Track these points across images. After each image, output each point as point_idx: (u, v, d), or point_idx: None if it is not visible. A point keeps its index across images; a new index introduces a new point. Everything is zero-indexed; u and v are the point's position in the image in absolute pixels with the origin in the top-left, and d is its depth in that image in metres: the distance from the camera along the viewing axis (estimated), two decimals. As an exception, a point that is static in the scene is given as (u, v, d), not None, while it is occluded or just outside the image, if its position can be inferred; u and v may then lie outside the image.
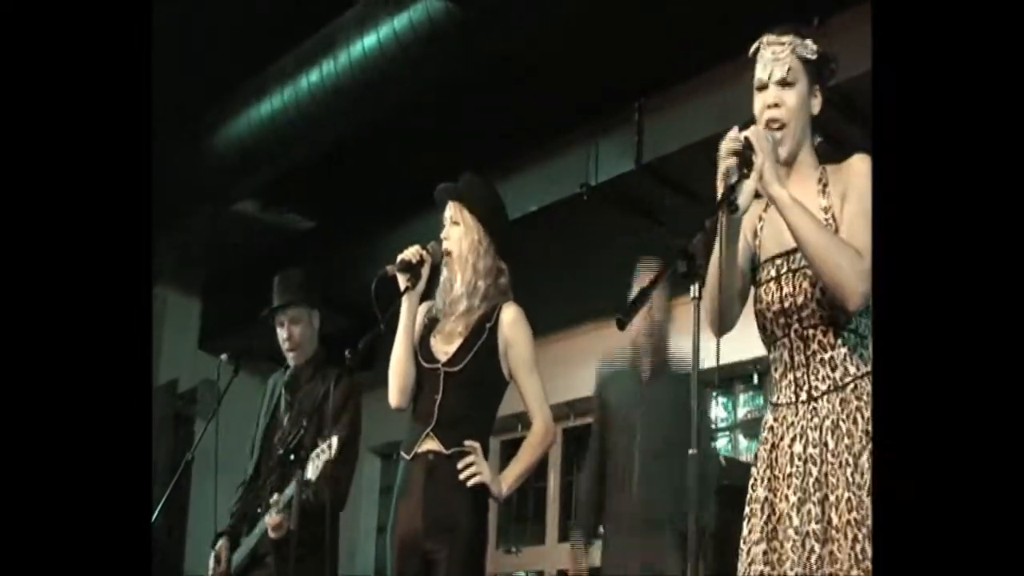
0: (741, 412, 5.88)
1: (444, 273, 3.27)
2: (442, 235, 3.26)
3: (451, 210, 3.26)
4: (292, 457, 2.84)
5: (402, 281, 3.15)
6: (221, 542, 4.01)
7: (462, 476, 3.05)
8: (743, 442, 5.22)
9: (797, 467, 2.27)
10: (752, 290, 2.42)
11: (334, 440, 3.21)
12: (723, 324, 2.35)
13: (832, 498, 2.20)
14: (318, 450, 3.27)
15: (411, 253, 3.16)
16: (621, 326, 2.06)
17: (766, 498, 2.31)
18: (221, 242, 6.98)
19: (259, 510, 3.92)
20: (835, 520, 2.18)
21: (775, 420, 2.35)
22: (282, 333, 4.12)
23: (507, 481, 3.17)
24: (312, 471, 3.22)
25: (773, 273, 2.36)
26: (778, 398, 2.36)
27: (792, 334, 2.33)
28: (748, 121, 2.36)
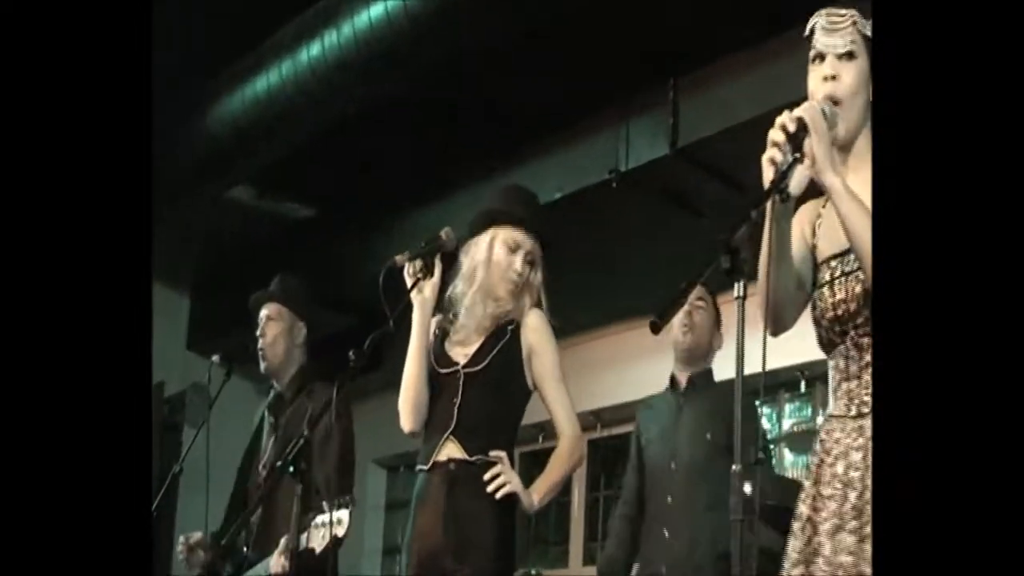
0: (787, 424, 5.86)
1: (460, 272, 3.27)
2: (510, 276, 3.25)
3: (508, 235, 3.29)
4: (292, 469, 2.84)
5: (412, 275, 3.16)
6: (199, 537, 3.99)
7: (490, 488, 3.06)
8: (788, 456, 5.21)
9: (837, 490, 2.27)
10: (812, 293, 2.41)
11: (344, 515, 3.20)
12: (778, 324, 2.35)
13: (867, 531, 2.18)
14: (324, 518, 3.26)
15: (422, 242, 3.18)
16: (655, 329, 2.06)
17: (809, 518, 2.31)
18: (212, 232, 7.00)
19: (244, 547, 3.90)
20: (868, 555, 2.15)
21: (826, 433, 2.35)
22: (259, 331, 4.12)
23: (538, 493, 3.19)
24: (317, 542, 3.23)
25: (827, 277, 2.36)
26: (832, 409, 2.36)
27: (848, 341, 2.32)
28: (800, 100, 2.35)
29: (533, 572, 7.04)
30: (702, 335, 4.20)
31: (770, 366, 2.23)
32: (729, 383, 3.99)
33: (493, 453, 3.12)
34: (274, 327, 4.14)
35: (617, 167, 5.14)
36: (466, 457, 3.12)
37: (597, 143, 5.29)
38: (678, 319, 4.20)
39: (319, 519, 3.25)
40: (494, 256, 3.27)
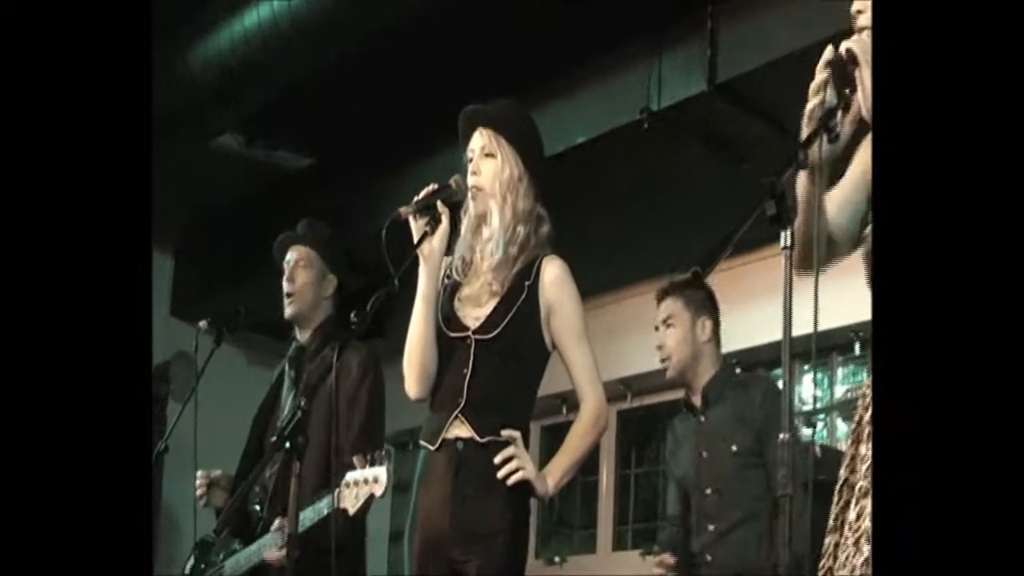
0: (840, 391, 5.85)
1: (470, 217, 3.26)
2: (471, 170, 3.25)
3: (482, 139, 3.26)
4: (288, 444, 2.85)
5: (419, 228, 3.15)
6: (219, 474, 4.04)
7: (500, 473, 3.06)
8: (841, 427, 5.20)
9: (870, 450, 2.29)
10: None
11: (381, 472, 3.20)
12: (809, 261, 2.34)
13: None
14: (357, 475, 3.26)
15: (429, 191, 3.17)
16: (698, 280, 2.06)
17: (846, 480, 2.36)
18: (197, 185, 7.00)
19: (257, 508, 3.94)
20: None
21: (868, 388, 2.37)
22: (285, 276, 4.14)
23: (553, 476, 3.18)
24: (350, 502, 3.23)
25: None
26: None
27: None
28: (848, 30, 2.34)
29: (556, 559, 7.07)
30: (682, 350, 4.25)
31: (822, 326, 2.23)
32: (749, 377, 4.01)
33: (505, 433, 3.11)
34: (304, 274, 4.15)
35: (648, 106, 5.12)
36: (476, 437, 3.12)
37: (626, 80, 5.26)
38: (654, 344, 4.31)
39: (351, 476, 3.25)
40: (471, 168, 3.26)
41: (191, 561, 4.12)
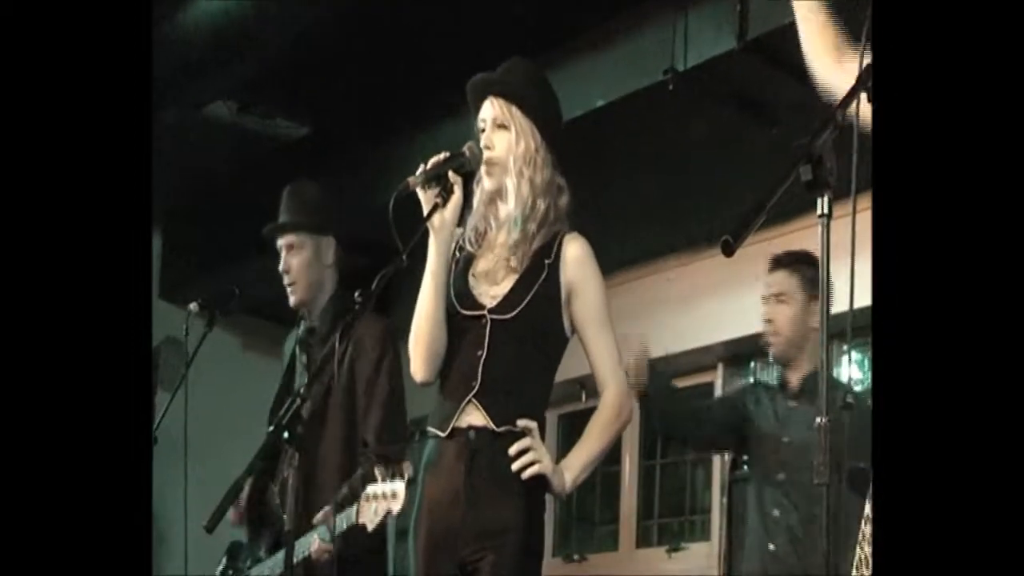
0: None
1: (483, 189, 3.25)
2: (482, 143, 3.24)
3: (494, 110, 3.25)
4: (288, 435, 2.85)
5: (428, 199, 3.14)
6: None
7: (515, 466, 3.06)
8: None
9: None
10: None
11: (399, 487, 3.20)
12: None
13: None
14: (377, 489, 3.26)
15: (440, 159, 3.15)
16: (728, 251, 2.06)
17: None
18: (187, 157, 7.00)
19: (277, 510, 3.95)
20: None
21: None
22: (281, 265, 4.16)
23: (571, 471, 3.19)
24: (368, 517, 3.24)
25: None
26: None
27: None
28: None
29: (576, 557, 7.08)
30: (791, 330, 4.32)
31: (863, 302, 2.22)
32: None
33: (522, 423, 3.10)
34: (295, 258, 4.17)
35: (673, 66, 5.09)
36: (491, 426, 3.11)
37: (648, 38, 5.24)
38: (760, 311, 4.37)
39: (371, 489, 3.26)
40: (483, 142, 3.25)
41: (222, 565, 4.14)
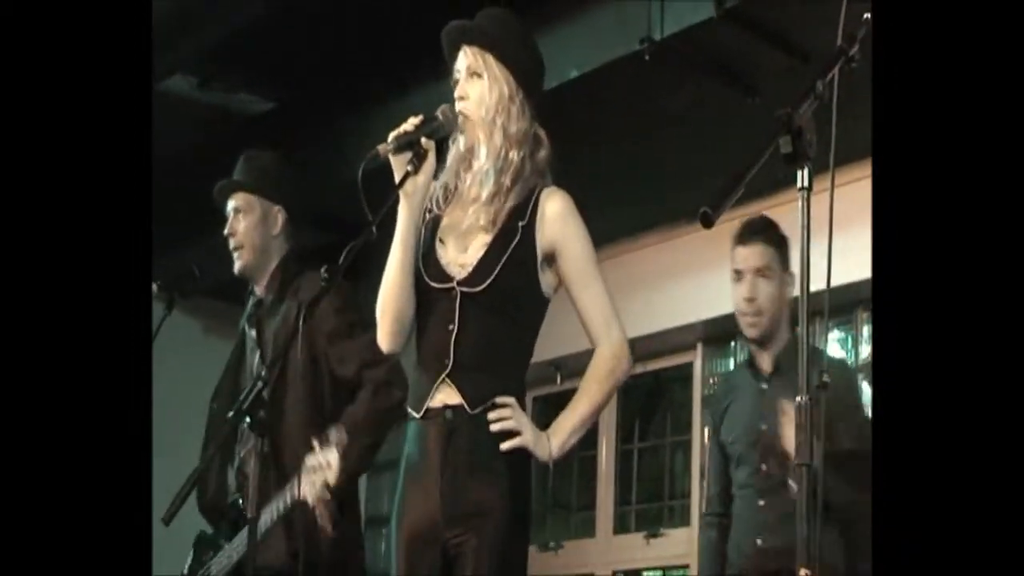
0: (866, 351, 5.86)
1: (457, 144, 3.23)
2: (456, 94, 3.23)
3: (468, 58, 3.23)
4: (249, 420, 2.83)
5: (400, 165, 3.12)
6: None
7: (493, 428, 3.04)
8: (868, 391, 5.20)
9: None
10: None
11: (332, 456, 3.20)
12: None
13: None
14: (314, 461, 3.25)
15: (412, 124, 3.13)
16: (707, 222, 2.06)
17: None
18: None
19: (238, 499, 3.95)
20: None
21: None
22: (227, 228, 4.16)
23: (558, 436, 3.16)
24: (309, 490, 3.23)
25: None
26: None
27: None
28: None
29: (552, 545, 7.09)
30: (771, 307, 4.16)
31: (848, 278, 2.23)
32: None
33: (500, 400, 3.09)
34: (243, 220, 4.18)
35: (650, 35, 5.09)
36: (466, 405, 3.10)
37: (624, 6, 5.23)
38: (740, 291, 4.20)
39: (309, 461, 3.26)
40: (456, 92, 3.23)
41: (189, 559, 4.14)
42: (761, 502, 4.11)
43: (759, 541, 4.09)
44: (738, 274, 4.19)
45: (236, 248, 4.19)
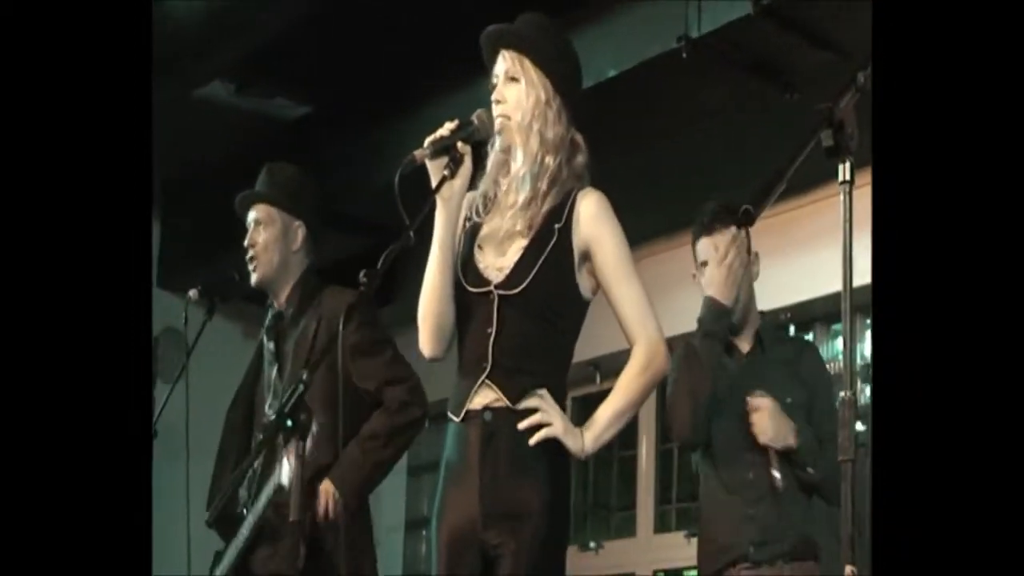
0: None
1: (495, 151, 3.23)
2: (493, 98, 3.22)
3: (506, 62, 3.23)
4: (291, 422, 2.83)
5: (436, 170, 3.12)
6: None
7: (521, 425, 3.04)
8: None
9: None
10: None
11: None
12: None
13: None
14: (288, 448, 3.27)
15: (448, 128, 3.13)
16: (748, 220, 2.05)
17: None
18: (183, 139, 6.99)
19: (242, 506, 3.95)
20: None
21: None
22: (247, 239, 4.16)
23: (593, 430, 3.15)
24: (286, 475, 3.23)
25: None
26: None
27: None
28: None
29: (592, 545, 7.08)
30: (729, 281, 4.04)
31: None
32: (793, 338, 3.92)
33: (536, 394, 3.09)
34: (263, 232, 4.18)
35: (688, 33, 5.07)
36: (507, 404, 3.09)
37: (661, 3, 5.22)
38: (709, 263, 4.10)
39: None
40: (494, 96, 3.23)
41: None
42: (751, 475, 4.01)
43: (750, 511, 4.01)
44: (704, 266, 4.12)
45: (253, 260, 4.17)
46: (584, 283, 3.19)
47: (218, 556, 4.11)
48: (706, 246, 4.12)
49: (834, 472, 3.49)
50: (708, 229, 4.13)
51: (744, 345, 4.17)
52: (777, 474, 3.93)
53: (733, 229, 4.03)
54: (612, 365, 6.21)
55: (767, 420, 3.94)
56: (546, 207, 3.18)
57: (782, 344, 4.24)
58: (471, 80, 3.51)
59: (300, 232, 4.20)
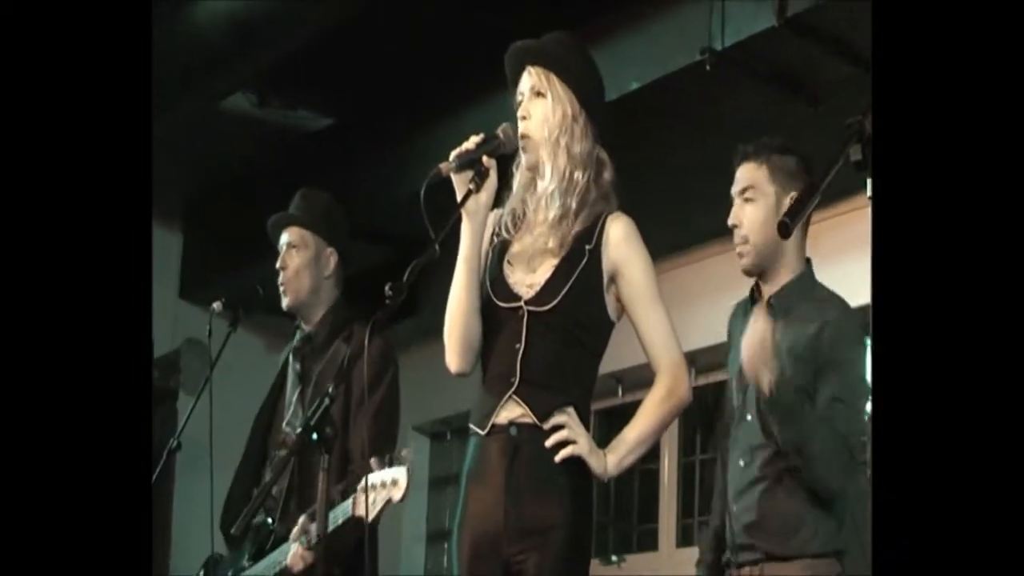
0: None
1: (521, 168, 3.24)
2: (519, 114, 3.23)
3: (532, 78, 3.25)
4: (316, 436, 2.84)
5: (462, 184, 3.13)
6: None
7: (548, 442, 3.04)
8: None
9: None
10: None
11: (401, 473, 3.20)
12: None
13: None
14: (376, 478, 3.26)
15: (473, 142, 3.14)
16: (785, 232, 2.05)
17: None
18: (207, 151, 7.01)
19: (267, 519, 3.95)
20: None
21: None
22: (279, 262, 4.16)
23: (616, 453, 3.16)
24: (367, 509, 3.24)
25: None
26: None
27: None
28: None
29: (614, 559, 7.06)
30: (762, 236, 3.63)
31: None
32: (829, 297, 3.75)
33: (558, 414, 3.09)
34: (296, 256, 4.18)
35: (711, 45, 5.07)
36: (533, 420, 3.09)
37: (684, 16, 5.22)
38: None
39: (372, 479, 3.26)
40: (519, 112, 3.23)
41: None
42: (742, 462, 3.59)
43: (734, 507, 3.58)
44: (743, 194, 3.76)
45: (284, 283, 4.17)
46: (611, 305, 3.22)
47: (217, 560, 4.11)
48: (748, 171, 3.75)
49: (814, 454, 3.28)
50: (753, 156, 3.77)
51: (766, 294, 3.68)
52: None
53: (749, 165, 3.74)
54: (634, 378, 6.21)
55: (755, 342, 3.38)
56: (577, 227, 3.20)
57: (808, 304, 3.62)
58: (495, 94, 3.51)
59: (332, 259, 4.21)
